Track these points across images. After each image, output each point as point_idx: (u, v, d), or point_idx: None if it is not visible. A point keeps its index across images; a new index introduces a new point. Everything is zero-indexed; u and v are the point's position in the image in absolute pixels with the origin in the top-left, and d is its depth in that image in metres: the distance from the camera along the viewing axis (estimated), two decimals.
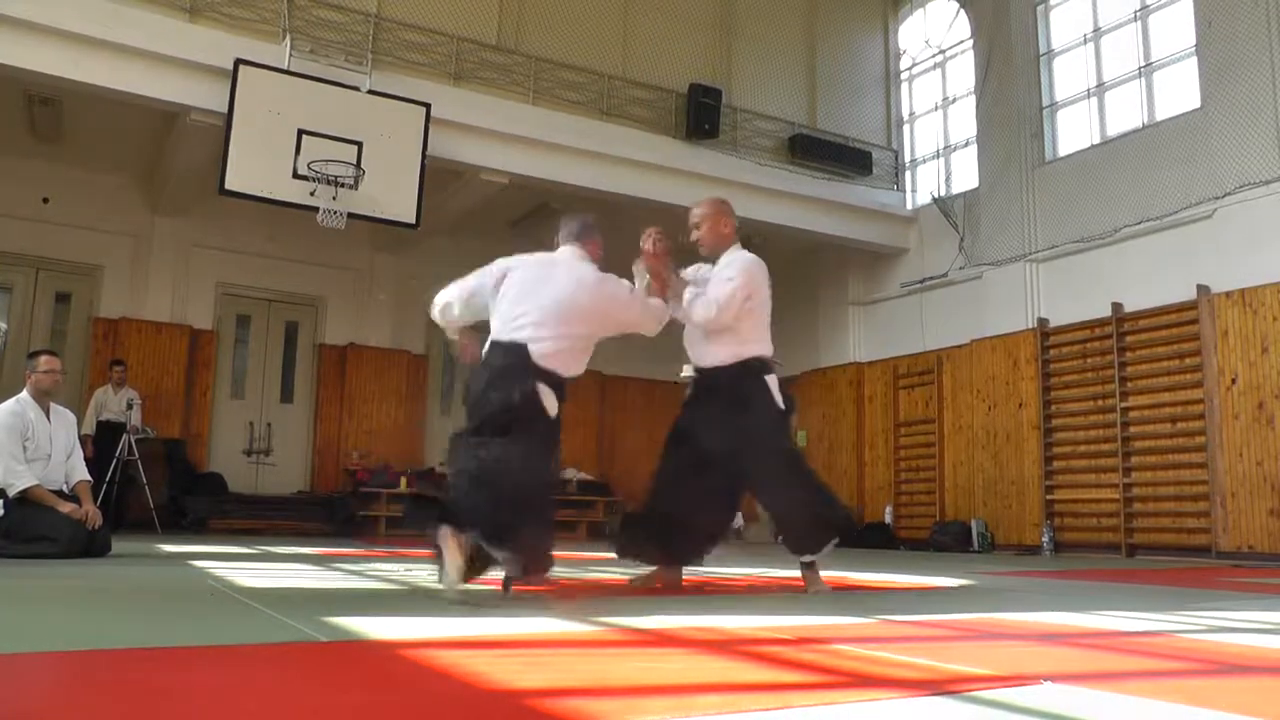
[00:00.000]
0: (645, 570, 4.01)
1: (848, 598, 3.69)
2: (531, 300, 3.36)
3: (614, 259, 3.74)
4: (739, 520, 12.72)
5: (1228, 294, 8.25)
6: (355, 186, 8.19)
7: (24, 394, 5.22)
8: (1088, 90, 9.96)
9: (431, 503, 3.47)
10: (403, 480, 10.60)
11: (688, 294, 3.79)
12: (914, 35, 12.46)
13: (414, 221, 8.57)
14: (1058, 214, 9.81)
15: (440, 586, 3.02)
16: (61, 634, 2.14)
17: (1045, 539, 9.36)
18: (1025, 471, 9.83)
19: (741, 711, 1.39)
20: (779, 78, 11.44)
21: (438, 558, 3.01)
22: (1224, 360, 8.23)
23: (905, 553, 9.77)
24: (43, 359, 5.31)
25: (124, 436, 8.75)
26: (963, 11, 11.55)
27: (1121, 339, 9.13)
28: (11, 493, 4.94)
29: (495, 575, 3.15)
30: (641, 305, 3.68)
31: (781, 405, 3.83)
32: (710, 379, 3.90)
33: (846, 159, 11.38)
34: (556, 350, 3.32)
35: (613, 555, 4.03)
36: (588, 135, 9.60)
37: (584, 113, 9.83)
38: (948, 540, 10.02)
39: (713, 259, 3.95)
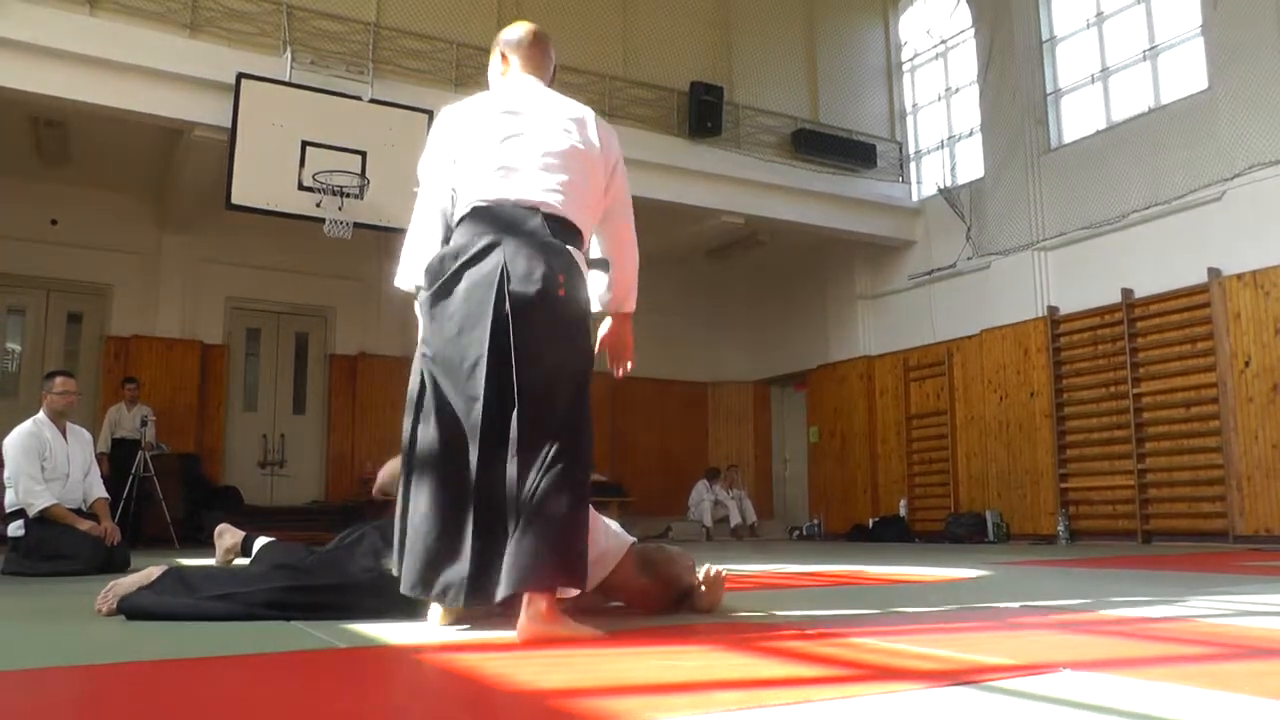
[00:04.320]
0: None
1: (865, 592, 3.68)
2: None
3: None
4: (752, 516, 12.72)
5: (1239, 276, 8.20)
6: (360, 196, 8.22)
7: (40, 414, 5.28)
8: (1092, 76, 9.92)
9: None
10: None
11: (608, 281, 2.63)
12: (915, 26, 12.44)
13: None
14: (1065, 201, 9.77)
15: None
16: (86, 648, 2.16)
17: (1061, 528, 9.32)
18: (1039, 461, 9.79)
19: (762, 706, 1.39)
20: (780, 73, 11.43)
21: None
22: (1237, 343, 8.18)
23: (921, 545, 9.74)
24: (58, 380, 5.36)
25: (139, 453, 8.80)
26: (963, 0, 11.52)
27: (1132, 325, 9.08)
28: (31, 512, 5.00)
29: None
30: None
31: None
32: None
33: (851, 152, 11.35)
34: None
35: None
36: None
37: None
38: (963, 531, 9.99)
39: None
